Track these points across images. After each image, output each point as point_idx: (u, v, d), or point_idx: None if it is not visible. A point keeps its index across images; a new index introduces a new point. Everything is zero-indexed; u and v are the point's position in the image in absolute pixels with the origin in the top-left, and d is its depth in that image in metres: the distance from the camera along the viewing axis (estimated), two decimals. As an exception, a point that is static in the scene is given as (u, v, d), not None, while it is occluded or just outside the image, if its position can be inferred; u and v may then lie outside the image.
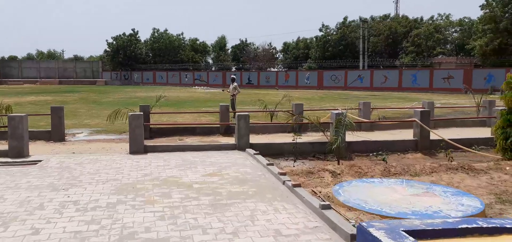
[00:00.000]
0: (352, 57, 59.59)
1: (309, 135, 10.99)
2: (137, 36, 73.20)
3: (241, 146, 8.42)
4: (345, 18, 64.41)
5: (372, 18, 65.05)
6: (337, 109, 10.47)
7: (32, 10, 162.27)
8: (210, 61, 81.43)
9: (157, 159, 7.50)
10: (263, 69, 66.14)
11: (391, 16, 63.99)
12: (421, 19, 60.54)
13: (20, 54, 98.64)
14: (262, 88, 52.55)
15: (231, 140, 10.53)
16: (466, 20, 57.25)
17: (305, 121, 8.42)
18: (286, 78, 53.61)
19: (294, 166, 7.64)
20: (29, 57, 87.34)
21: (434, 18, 59.74)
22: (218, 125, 11.81)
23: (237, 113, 8.40)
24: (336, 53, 61.83)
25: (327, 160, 8.45)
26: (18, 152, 7.55)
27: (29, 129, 11.65)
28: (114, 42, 71.10)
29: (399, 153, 9.15)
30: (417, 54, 55.06)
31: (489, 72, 38.50)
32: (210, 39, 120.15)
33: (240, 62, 74.29)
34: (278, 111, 13.41)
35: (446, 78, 41.11)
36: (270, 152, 8.52)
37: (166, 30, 74.05)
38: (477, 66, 46.27)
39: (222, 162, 7.28)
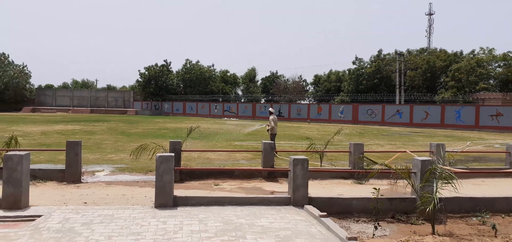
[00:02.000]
0: (387, 91, 57.07)
1: (375, 185, 8.91)
2: (169, 67, 73.43)
3: (297, 200, 6.48)
4: (380, 51, 62.38)
5: (408, 52, 62.59)
6: (410, 152, 8.38)
7: (70, 40, 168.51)
8: (240, 92, 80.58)
9: (191, 218, 5.65)
10: (293, 101, 64.43)
11: (428, 49, 61.31)
12: (461, 53, 57.70)
13: (57, 83, 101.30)
14: (293, 120, 50.63)
15: (279, 188, 8.60)
16: (511, 55, 53.91)
17: (383, 168, 6.36)
18: (318, 111, 51.53)
19: (374, 235, 5.60)
20: (64, 86, 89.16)
21: (475, 52, 56.70)
22: (260, 168, 9.92)
23: (294, 157, 6.48)
24: (370, 86, 59.51)
25: (413, 224, 6.37)
26: (13, 202, 5.90)
27: (40, 167, 10.19)
28: (146, 72, 71.42)
29: (503, 215, 6.95)
30: (458, 89, 52.00)
31: (545, 109, 35.22)
32: (240, 71, 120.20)
33: (269, 94, 72.97)
34: (330, 151, 11.45)
35: (494, 115, 37.97)
36: (334, 209, 6.53)
37: (198, 61, 74.02)
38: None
39: (278, 227, 5.35)
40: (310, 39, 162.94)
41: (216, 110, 62.40)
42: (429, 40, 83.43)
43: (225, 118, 57.43)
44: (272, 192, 8.28)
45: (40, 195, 7.50)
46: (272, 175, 9.52)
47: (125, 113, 64.25)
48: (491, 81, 54.77)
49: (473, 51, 56.73)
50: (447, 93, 52.11)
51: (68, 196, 7.49)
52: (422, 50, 62.07)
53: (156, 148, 10.14)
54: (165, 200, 6.24)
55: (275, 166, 9.85)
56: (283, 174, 9.67)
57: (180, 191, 7.81)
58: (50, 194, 7.62)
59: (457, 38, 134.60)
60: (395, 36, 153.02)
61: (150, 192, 7.84)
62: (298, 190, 6.49)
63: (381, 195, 6.32)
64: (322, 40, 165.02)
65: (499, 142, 25.07)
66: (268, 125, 15.28)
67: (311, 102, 64.41)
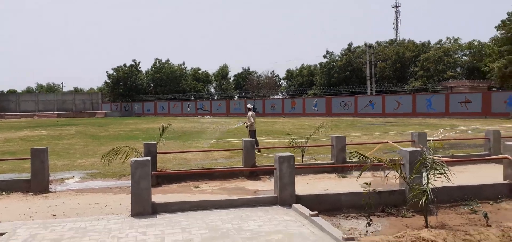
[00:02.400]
0: (359, 83, 57.82)
1: (358, 178, 8.70)
2: (138, 67, 71.72)
3: (285, 200, 6.14)
4: (350, 44, 63.06)
5: (378, 44, 63.59)
6: (390, 142, 8.21)
7: (33, 44, 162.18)
8: (212, 90, 79.77)
9: (172, 226, 5.18)
10: (266, 96, 64.31)
11: (397, 41, 62.48)
12: (429, 43, 59.08)
13: (20, 88, 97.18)
14: (268, 116, 50.44)
15: (262, 186, 8.25)
16: (476, 43, 55.67)
17: (375, 162, 6.10)
18: (292, 105, 51.60)
19: (367, 232, 5.33)
20: (29, 91, 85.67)
21: (442, 42, 58.24)
22: (241, 167, 9.51)
23: (280, 155, 6.14)
24: (341, 79, 60.11)
25: (404, 217, 6.15)
26: (-29, 221, 5.30)
27: (3, 177, 9.44)
28: (115, 73, 69.49)
29: (491, 202, 6.86)
30: (427, 78, 53.27)
31: (510, 94, 36.43)
32: (212, 69, 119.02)
33: (242, 90, 72.59)
34: (312, 145, 11.16)
35: (463, 102, 39.04)
36: (323, 207, 6.22)
37: (168, 60, 72.64)
38: (491, 89, 44.40)
39: (268, 231, 4.97)
40: (282, 34, 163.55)
41: (189, 109, 61.50)
42: (397, 32, 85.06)
43: (199, 116, 56.64)
44: (256, 191, 7.92)
45: (3, 209, 6.83)
46: (254, 174, 9.15)
47: (94, 116, 62.31)
48: (458, 69, 56.40)
49: (440, 41, 58.23)
50: (417, 82, 53.29)
51: (35, 208, 6.86)
52: (391, 42, 63.22)
53: (129, 151, 9.58)
54: (143, 208, 5.75)
55: (256, 164, 9.48)
56: (265, 171, 9.33)
57: (158, 196, 7.32)
58: (15, 207, 6.96)
59: (423, 29, 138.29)
60: (364, 29, 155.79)
61: (126, 199, 7.31)
62: (285, 188, 6.15)
63: (372, 190, 6.07)
64: (294, 35, 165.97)
65: (470, 128, 25.66)
66: (247, 122, 14.90)
67: (284, 97, 64.43)
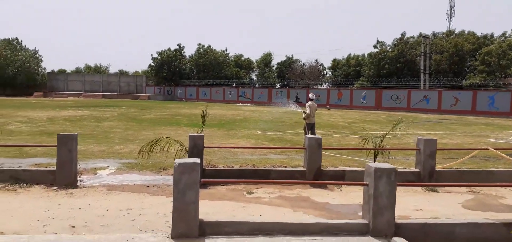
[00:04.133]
0: (411, 76, 54.18)
1: (450, 192, 6.79)
2: (183, 51, 71.41)
3: (380, 228, 4.40)
4: (403, 34, 59.16)
5: (434, 34, 59.35)
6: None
7: (84, 26, 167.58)
8: (254, 78, 78.27)
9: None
10: (310, 86, 61.99)
11: (454, 32, 58.01)
12: (492, 35, 54.29)
13: (70, 68, 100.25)
14: (312, 107, 48.24)
15: (332, 199, 6.52)
16: (546, 37, 50.46)
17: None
18: (338, 96, 49.11)
19: None
20: (77, 71, 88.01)
21: (507, 35, 53.28)
22: (302, 169, 7.79)
23: (376, 166, 4.38)
24: (392, 71, 56.60)
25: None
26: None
27: (27, 166, 8.33)
28: (159, 57, 69.57)
29: None
30: (488, 74, 48.88)
31: None
32: (254, 55, 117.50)
33: (285, 79, 70.54)
34: (397, 148, 9.21)
35: (532, 101, 35.15)
36: (430, 241, 4.43)
37: (210, 46, 71.79)
38: None
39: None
40: (327, 22, 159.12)
41: (230, 96, 60.42)
42: (450, 24, 79.62)
43: (240, 104, 55.41)
44: (325, 205, 6.22)
45: (16, 209, 5.56)
46: (318, 179, 7.43)
47: (138, 98, 62.69)
48: (524, 66, 51.40)
49: (504, 33, 53.34)
50: (476, 78, 49.07)
51: (53, 211, 5.52)
52: (448, 33, 58.81)
53: (170, 143, 8.14)
54: (188, 228, 4.22)
55: (322, 167, 7.74)
56: (332, 176, 7.58)
57: (205, 204, 5.78)
58: (30, 207, 5.67)
59: (480, 21, 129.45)
60: (414, 20, 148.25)
61: (165, 205, 5.85)
62: (381, 213, 4.40)
63: (495, 220, 4.18)
64: (340, 23, 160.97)
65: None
66: (304, 112, 13.22)
67: (330, 87, 61.80)
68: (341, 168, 8.36)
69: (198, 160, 4.34)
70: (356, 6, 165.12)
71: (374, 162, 8.86)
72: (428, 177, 7.64)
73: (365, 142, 9.07)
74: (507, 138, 18.43)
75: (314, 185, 7.32)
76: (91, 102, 47.38)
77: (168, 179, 7.99)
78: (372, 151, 8.87)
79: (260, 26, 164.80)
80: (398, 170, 8.04)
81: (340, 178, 7.51)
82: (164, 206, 5.85)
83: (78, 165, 7.40)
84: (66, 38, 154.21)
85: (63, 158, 6.85)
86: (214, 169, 7.64)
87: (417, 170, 7.73)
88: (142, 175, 8.39)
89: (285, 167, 8.48)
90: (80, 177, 7.72)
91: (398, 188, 7.52)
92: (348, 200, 6.54)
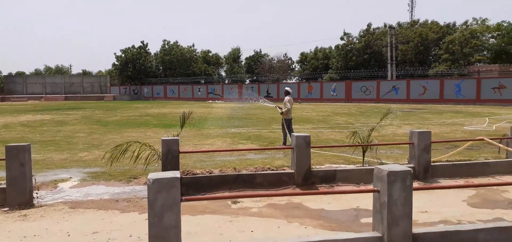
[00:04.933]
0: (378, 67, 54.84)
1: (459, 190, 6.29)
2: (147, 48, 69.28)
3: (396, 241, 3.77)
4: (369, 25, 59.84)
5: (399, 25, 60.35)
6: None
7: (42, 26, 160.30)
8: (223, 74, 77.18)
9: None
10: (279, 81, 61.69)
11: (420, 22, 59.15)
12: (454, 24, 55.70)
13: (28, 70, 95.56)
14: (282, 100, 47.86)
15: (328, 204, 5.87)
16: (505, 24, 52.24)
17: None
18: (309, 90, 49.01)
19: None
20: (37, 73, 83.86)
21: (469, 23, 54.82)
22: (290, 171, 7.09)
23: (389, 169, 3.72)
24: (360, 62, 57.16)
25: None
26: None
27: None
28: (123, 55, 67.23)
29: None
30: (452, 62, 50.09)
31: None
32: (222, 51, 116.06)
33: (254, 74, 69.92)
34: (386, 144, 8.64)
35: (496, 88, 36.15)
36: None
37: (177, 42, 70.03)
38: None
39: None
40: (295, 16, 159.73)
41: (199, 93, 59.26)
42: (412, 14, 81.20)
43: (210, 101, 54.35)
44: (321, 212, 5.56)
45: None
46: (307, 180, 6.77)
47: (102, 99, 60.36)
48: (485, 53, 53.10)
49: (466, 22, 54.90)
50: (441, 66, 50.16)
51: None
52: (413, 23, 59.90)
53: (141, 149, 7.27)
54: (169, 260, 3.43)
55: (312, 167, 7.07)
56: (322, 177, 6.94)
57: (186, 222, 4.96)
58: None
59: (440, 11, 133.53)
60: (377, 10, 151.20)
61: (138, 224, 5.02)
62: (396, 224, 3.76)
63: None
64: (307, 16, 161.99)
65: (518, 117, 22.97)
66: (282, 107, 12.54)
67: (300, 81, 61.68)
68: (332, 167, 7.75)
69: (178, 174, 3.54)
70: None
71: (363, 158, 8.32)
72: (423, 172, 7.14)
73: (352, 136, 8.51)
74: (481, 125, 18.53)
75: (303, 187, 6.64)
76: (52, 105, 45.01)
77: (139, 190, 7.12)
78: (359, 146, 8.32)
79: (227, 20, 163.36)
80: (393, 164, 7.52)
81: (331, 178, 6.88)
82: (137, 226, 5.01)
83: (33, 179, 6.40)
84: (23, 39, 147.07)
85: (14, 174, 5.84)
86: (192, 176, 6.82)
87: (412, 165, 7.21)
88: (110, 186, 7.46)
89: (270, 169, 7.76)
90: (37, 193, 6.71)
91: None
92: (343, 204, 5.91)
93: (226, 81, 71.38)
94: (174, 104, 43.94)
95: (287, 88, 13.18)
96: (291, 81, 67.01)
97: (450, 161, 8.45)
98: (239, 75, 71.48)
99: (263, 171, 7.46)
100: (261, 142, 13.36)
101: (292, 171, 6.81)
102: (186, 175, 7.50)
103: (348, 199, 6.12)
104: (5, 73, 72.95)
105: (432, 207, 5.70)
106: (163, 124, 20.37)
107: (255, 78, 69.09)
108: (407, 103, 39.69)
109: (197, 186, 6.52)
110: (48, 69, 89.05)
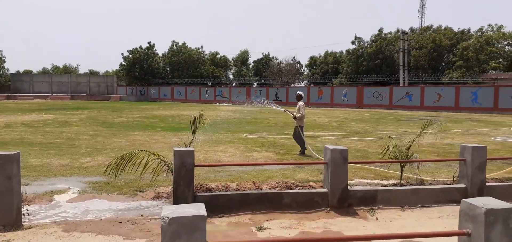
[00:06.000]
0: (390, 72, 53.67)
1: None
2: (154, 49, 68.57)
3: None
4: (381, 30, 58.74)
5: (412, 30, 59.11)
6: None
7: (51, 25, 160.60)
8: (231, 76, 76.31)
9: None
10: (288, 84, 60.69)
11: (433, 27, 57.90)
12: (469, 30, 54.40)
13: (36, 68, 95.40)
14: (293, 104, 46.84)
15: (370, 229, 4.87)
16: (522, 31, 50.83)
17: None
18: (319, 94, 47.90)
19: None
20: (44, 71, 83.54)
21: (484, 30, 53.47)
22: (323, 190, 6.08)
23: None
24: (371, 67, 56.03)
25: None
26: None
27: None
28: (130, 55, 66.56)
29: None
30: (467, 69, 48.78)
31: None
32: (230, 53, 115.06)
33: (262, 77, 68.99)
34: (432, 160, 7.57)
35: (515, 96, 34.85)
36: None
37: (185, 43, 69.29)
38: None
39: None
40: (304, 19, 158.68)
41: (207, 95, 58.37)
42: (422, 20, 79.91)
43: (218, 104, 53.44)
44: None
45: None
46: (343, 202, 5.76)
47: (109, 99, 59.71)
48: (501, 60, 51.69)
49: (481, 28, 53.51)
50: (455, 73, 48.88)
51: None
52: (426, 28, 58.65)
53: (149, 158, 6.32)
54: None
55: (349, 186, 6.04)
56: (361, 199, 5.92)
57: None
58: None
59: (450, 17, 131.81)
60: (386, 16, 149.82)
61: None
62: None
63: None
64: (317, 20, 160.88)
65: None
66: (296, 113, 11.64)
67: (310, 85, 60.60)
68: (371, 186, 6.71)
69: (203, 210, 2.56)
70: (329, 3, 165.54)
71: (401, 174, 7.29)
72: (477, 193, 6.11)
73: (387, 150, 7.48)
74: (508, 136, 17.39)
75: (338, 210, 5.62)
76: (58, 104, 44.35)
77: (146, 206, 6.16)
78: (392, 160, 7.29)
79: (236, 22, 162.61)
80: (439, 187, 6.49)
81: (371, 200, 5.87)
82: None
83: (24, 192, 5.46)
84: (32, 38, 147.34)
85: (1, 188, 4.90)
86: (208, 194, 5.83)
87: (463, 186, 6.18)
88: (113, 200, 6.50)
89: (295, 185, 6.75)
90: (28, 209, 5.77)
91: (442, 207, 5.96)
92: (391, 231, 4.89)
93: (234, 84, 70.51)
94: (181, 106, 43.10)
95: (299, 92, 12.26)
96: (300, 85, 65.97)
97: (506, 180, 7.38)
98: (247, 78, 70.59)
99: (287, 187, 6.46)
100: (277, 149, 12.38)
101: (325, 190, 5.80)
102: (199, 189, 6.53)
103: (395, 226, 5.11)
104: (13, 71, 72.65)
105: None
106: (170, 127, 19.47)
107: (263, 81, 68.14)
108: (421, 110, 38.48)
109: (214, 206, 5.53)
110: (55, 68, 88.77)
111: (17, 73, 71.86)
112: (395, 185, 7.14)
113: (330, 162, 5.69)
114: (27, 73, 73.53)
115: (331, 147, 5.74)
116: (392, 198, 5.92)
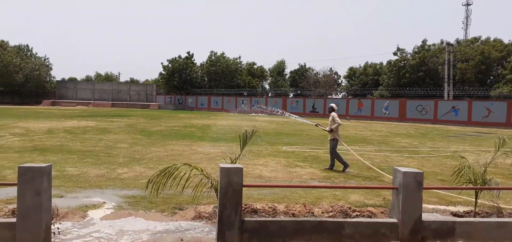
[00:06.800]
0: (433, 85, 51.28)
1: None
2: (193, 59, 69.26)
3: None
4: (424, 41, 56.46)
5: (458, 42, 56.44)
6: None
7: (94, 34, 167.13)
8: (267, 86, 75.80)
9: None
10: (325, 95, 59.38)
11: (481, 39, 54.99)
12: (521, 42, 51.21)
13: (80, 76, 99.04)
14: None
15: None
16: None
17: None
18: (359, 106, 46.39)
19: None
20: (87, 79, 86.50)
21: (537, 42, 50.19)
22: (391, 220, 5.23)
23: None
24: (413, 80, 53.81)
25: None
26: None
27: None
28: (170, 65, 67.54)
29: None
30: (518, 83, 45.75)
31: None
32: (267, 63, 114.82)
33: (299, 88, 68.04)
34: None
35: None
36: None
37: (223, 53, 69.57)
38: None
39: None
40: (340, 31, 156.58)
41: (243, 105, 58.02)
42: (466, 32, 76.50)
43: (253, 114, 52.98)
44: None
45: None
46: (417, 235, 4.88)
47: (148, 108, 60.67)
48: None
49: (534, 40, 50.19)
50: (505, 87, 45.98)
51: None
52: (474, 40, 55.80)
53: (191, 173, 5.69)
54: None
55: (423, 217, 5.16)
56: (436, 232, 5.01)
57: None
58: None
59: (498, 29, 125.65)
60: (427, 27, 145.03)
61: None
62: None
63: None
64: (351, 32, 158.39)
65: None
66: (331, 125, 10.96)
67: (349, 97, 59.08)
68: (448, 217, 5.78)
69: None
70: (368, 14, 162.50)
71: (476, 201, 6.29)
72: None
73: (459, 172, 6.50)
74: None
75: (411, 246, 4.75)
76: (99, 111, 45.38)
77: (186, 228, 5.55)
78: (461, 186, 6.29)
79: (273, 33, 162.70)
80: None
81: (448, 233, 4.95)
82: None
83: (55, 208, 4.96)
84: (77, 46, 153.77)
85: (27, 204, 4.42)
86: (256, 219, 5.11)
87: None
88: (150, 220, 5.94)
89: (356, 211, 5.92)
90: (58, 226, 5.29)
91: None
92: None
93: (270, 94, 69.97)
94: (217, 116, 42.96)
95: (332, 105, 11.47)
96: (337, 97, 64.50)
97: None
98: (283, 88, 69.87)
99: (342, 212, 5.66)
100: (321, 165, 11.54)
101: (394, 220, 4.95)
102: (244, 210, 5.84)
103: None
104: (58, 78, 75.54)
105: None
106: (208, 137, 19.02)
107: (299, 92, 67.19)
108: (468, 125, 36.27)
109: (264, 234, 4.81)
110: (98, 76, 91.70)
111: (62, 80, 74.64)
112: (467, 213, 6.17)
113: (401, 187, 4.84)
114: (72, 80, 76.25)
115: (403, 169, 4.89)
116: (474, 232, 4.98)
